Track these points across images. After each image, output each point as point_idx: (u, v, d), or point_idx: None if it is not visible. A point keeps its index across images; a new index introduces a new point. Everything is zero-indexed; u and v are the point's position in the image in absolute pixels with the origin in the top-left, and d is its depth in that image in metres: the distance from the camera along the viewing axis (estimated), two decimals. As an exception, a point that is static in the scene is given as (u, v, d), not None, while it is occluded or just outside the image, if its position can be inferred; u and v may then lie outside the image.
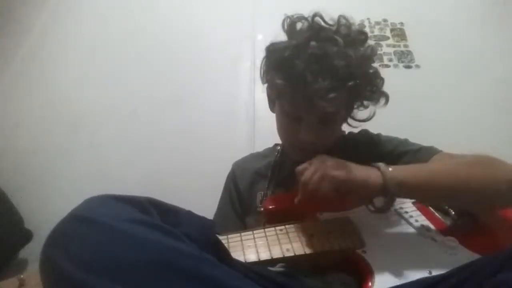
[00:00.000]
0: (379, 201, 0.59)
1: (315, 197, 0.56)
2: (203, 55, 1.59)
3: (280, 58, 0.70)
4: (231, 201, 0.90)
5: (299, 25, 0.73)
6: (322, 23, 0.72)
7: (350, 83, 0.66)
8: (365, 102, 0.75)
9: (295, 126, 0.72)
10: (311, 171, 0.58)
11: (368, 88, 0.72)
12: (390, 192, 0.55)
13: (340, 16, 0.72)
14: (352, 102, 0.74)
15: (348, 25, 0.72)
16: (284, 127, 0.78)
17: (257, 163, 0.92)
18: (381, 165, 0.58)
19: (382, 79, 0.75)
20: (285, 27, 0.74)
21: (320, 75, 0.64)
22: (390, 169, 0.57)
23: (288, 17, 0.74)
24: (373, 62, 0.74)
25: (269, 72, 0.75)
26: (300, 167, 0.61)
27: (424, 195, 0.61)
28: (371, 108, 0.77)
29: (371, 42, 0.75)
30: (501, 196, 0.59)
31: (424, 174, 0.60)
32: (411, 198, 0.66)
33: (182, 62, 1.57)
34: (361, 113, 0.80)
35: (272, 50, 0.73)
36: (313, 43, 0.66)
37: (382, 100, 0.75)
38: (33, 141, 1.38)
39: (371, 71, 0.72)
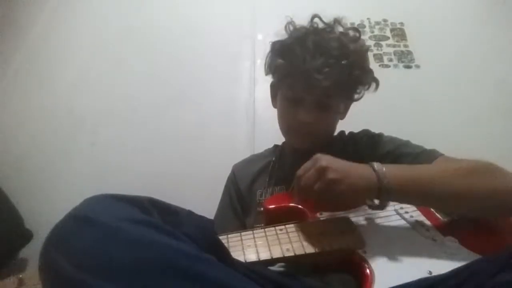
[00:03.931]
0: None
1: (310, 195, 0.58)
2: (203, 55, 1.59)
3: (282, 45, 0.81)
4: (231, 202, 0.90)
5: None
6: (320, 23, 0.80)
7: (343, 61, 0.73)
8: (358, 88, 0.80)
9: (294, 109, 0.78)
10: (307, 168, 0.59)
11: (360, 69, 0.77)
12: (384, 188, 0.56)
13: (335, 19, 0.80)
14: (347, 85, 0.77)
15: (344, 24, 0.81)
16: (284, 112, 0.83)
17: (257, 164, 0.93)
18: (376, 163, 0.59)
19: (372, 70, 0.82)
20: (287, 28, 0.83)
21: (316, 54, 0.73)
22: (384, 168, 0.58)
23: (289, 22, 0.83)
24: (366, 54, 0.82)
25: (272, 59, 0.83)
26: (300, 171, 0.61)
27: (416, 196, 0.60)
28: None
29: (369, 41, 0.79)
30: (499, 207, 0.59)
31: (417, 175, 0.60)
32: (403, 198, 0.62)
33: (182, 62, 1.57)
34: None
35: (276, 43, 0.83)
36: (311, 36, 0.76)
37: (373, 86, 0.81)
38: (33, 142, 1.38)
39: (365, 61, 0.80)
